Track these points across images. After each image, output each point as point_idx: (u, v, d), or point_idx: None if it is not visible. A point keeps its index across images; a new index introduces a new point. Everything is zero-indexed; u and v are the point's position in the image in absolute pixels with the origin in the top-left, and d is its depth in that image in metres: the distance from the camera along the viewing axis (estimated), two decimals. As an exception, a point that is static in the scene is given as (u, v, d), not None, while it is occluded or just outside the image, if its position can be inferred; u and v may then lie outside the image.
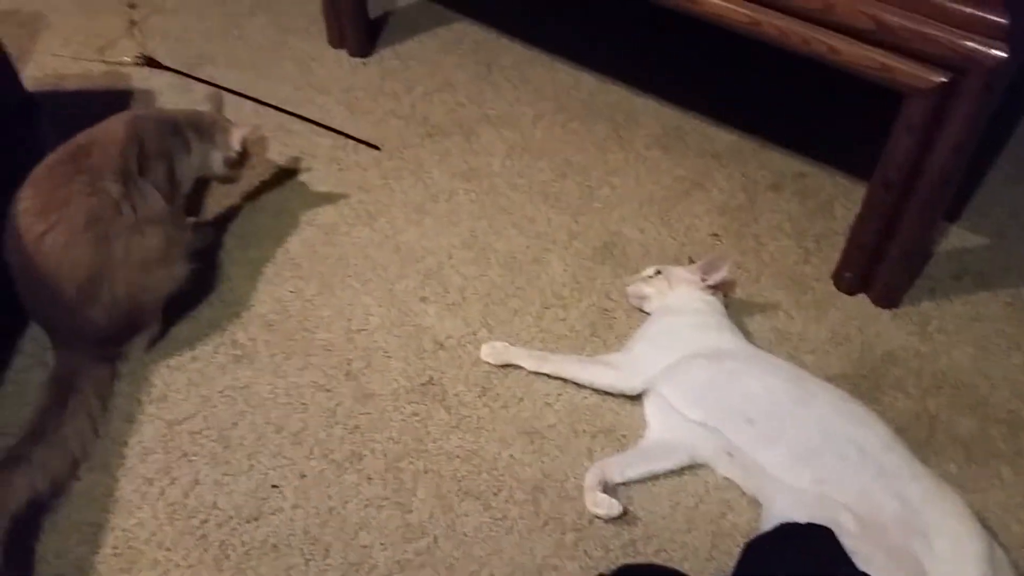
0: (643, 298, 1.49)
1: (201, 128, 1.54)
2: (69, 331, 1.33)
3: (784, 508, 1.17)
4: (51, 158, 1.35)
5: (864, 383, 1.44)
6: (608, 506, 1.24)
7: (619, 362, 1.39)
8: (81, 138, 1.38)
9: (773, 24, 1.41)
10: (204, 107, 1.62)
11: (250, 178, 1.72)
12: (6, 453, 1.20)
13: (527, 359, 1.43)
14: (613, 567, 1.17)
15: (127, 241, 1.31)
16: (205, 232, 1.61)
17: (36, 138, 1.61)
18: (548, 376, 1.42)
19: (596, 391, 1.40)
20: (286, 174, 1.76)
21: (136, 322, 1.37)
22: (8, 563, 1.13)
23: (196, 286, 1.49)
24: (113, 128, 1.40)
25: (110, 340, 1.35)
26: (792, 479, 1.19)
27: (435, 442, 1.35)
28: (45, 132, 1.63)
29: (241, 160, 1.59)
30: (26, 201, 1.29)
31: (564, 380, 1.41)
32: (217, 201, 1.70)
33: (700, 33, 1.70)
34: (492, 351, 1.44)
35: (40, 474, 1.20)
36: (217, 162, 1.56)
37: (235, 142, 1.55)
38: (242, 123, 1.61)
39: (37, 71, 1.94)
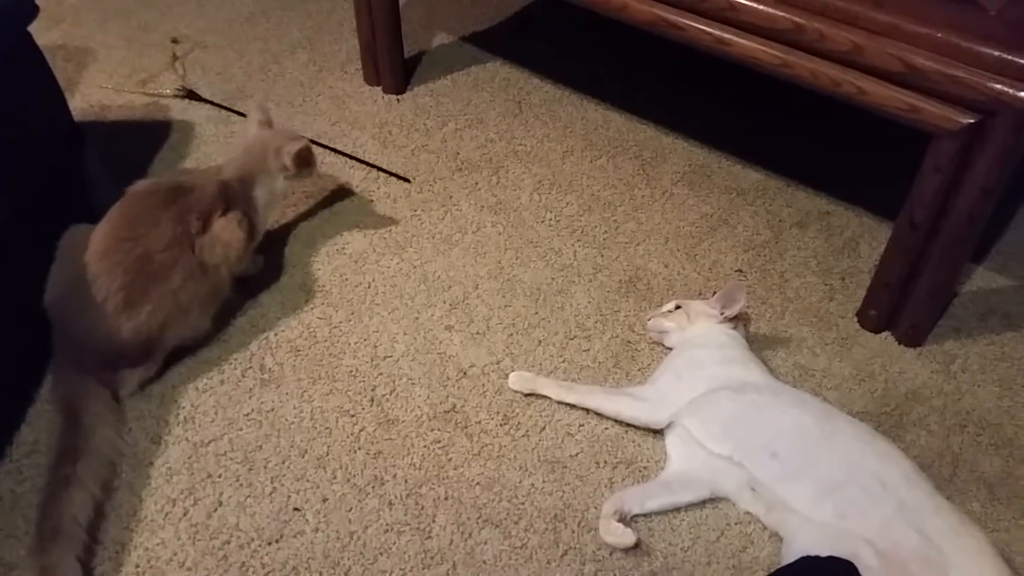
0: (663, 332, 1.49)
1: (256, 173, 1.55)
2: (89, 342, 1.35)
3: (805, 542, 1.16)
4: (152, 186, 1.47)
5: (887, 420, 1.43)
6: (621, 535, 1.24)
7: (645, 395, 1.39)
8: (182, 178, 1.51)
9: (804, 66, 1.43)
10: (254, 115, 1.63)
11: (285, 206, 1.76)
12: (50, 476, 1.24)
13: (553, 388, 1.44)
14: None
15: (184, 278, 1.39)
16: (256, 261, 1.64)
17: (82, 166, 1.67)
18: (573, 406, 1.42)
19: (619, 423, 1.40)
20: (324, 202, 1.80)
21: (143, 355, 1.40)
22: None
23: (227, 309, 1.53)
24: (208, 178, 1.51)
25: (116, 362, 1.38)
26: (814, 513, 1.18)
27: (456, 469, 1.35)
28: (90, 160, 1.69)
29: (300, 169, 1.58)
30: (121, 209, 1.43)
31: (588, 411, 1.41)
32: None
33: (728, 73, 1.73)
34: (520, 379, 1.46)
35: (92, 483, 1.25)
36: (280, 186, 1.59)
37: (288, 159, 1.55)
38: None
39: (83, 102, 2.01)
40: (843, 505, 1.17)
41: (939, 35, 1.28)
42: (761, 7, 1.42)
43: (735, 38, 1.49)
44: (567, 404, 1.42)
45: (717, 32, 1.50)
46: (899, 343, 1.56)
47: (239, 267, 1.53)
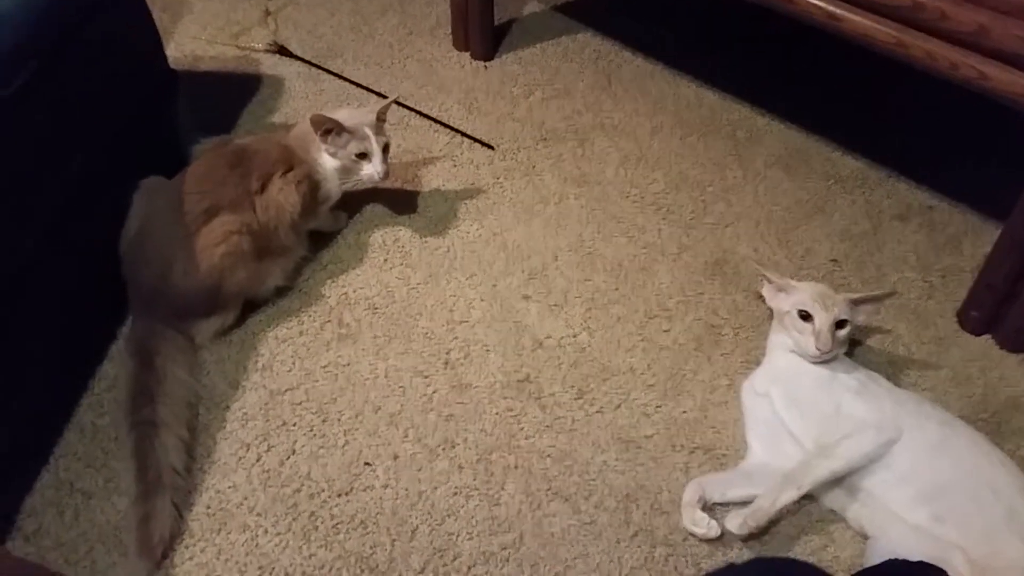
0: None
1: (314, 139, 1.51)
2: (158, 292, 1.37)
3: (893, 543, 1.11)
4: (220, 149, 1.49)
5: (984, 427, 1.35)
6: (707, 526, 1.20)
7: (861, 425, 1.20)
8: (249, 142, 1.51)
9: (920, 47, 1.35)
10: (376, 106, 1.54)
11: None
12: (130, 421, 1.25)
13: (787, 494, 1.18)
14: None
15: (240, 234, 1.38)
16: (338, 216, 1.64)
17: (174, 110, 1.69)
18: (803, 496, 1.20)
19: (703, 414, 1.35)
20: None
21: (211, 306, 1.40)
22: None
23: (308, 263, 1.54)
24: (272, 141, 1.52)
25: (186, 312, 1.38)
26: (909, 515, 1.13)
27: (527, 439, 1.33)
28: (182, 108, 1.70)
29: (324, 137, 1.50)
30: (193, 167, 1.46)
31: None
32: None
33: (830, 53, 1.65)
34: (755, 518, 1.18)
35: (177, 425, 1.26)
36: (368, 174, 1.51)
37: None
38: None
39: (176, 51, 2.03)
40: (943, 509, 1.11)
41: (1078, 17, 1.20)
42: (880, -18, 1.35)
43: (848, 14, 1.42)
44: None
45: (829, 7, 1.43)
46: (1001, 347, 1.47)
47: (307, 225, 1.52)
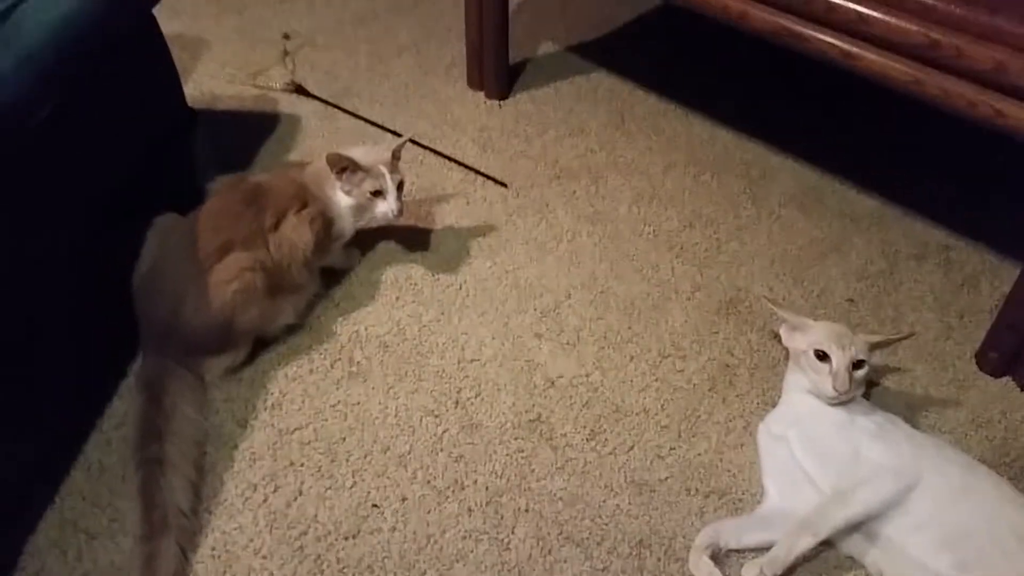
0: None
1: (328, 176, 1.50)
2: (170, 329, 1.36)
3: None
4: (235, 185, 1.50)
5: (1006, 472, 1.32)
6: (708, 573, 1.17)
7: (879, 470, 1.17)
8: (264, 179, 1.51)
9: (937, 85, 1.34)
10: (391, 145, 1.54)
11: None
12: (137, 459, 1.24)
13: (803, 542, 1.15)
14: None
15: (253, 271, 1.38)
16: (351, 254, 1.64)
17: (192, 148, 1.71)
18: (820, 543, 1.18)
19: (715, 453, 1.33)
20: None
21: (223, 343, 1.39)
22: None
23: (319, 300, 1.53)
24: (288, 178, 1.52)
25: (197, 349, 1.38)
26: (930, 561, 1.09)
27: (539, 481, 1.30)
28: (200, 144, 1.72)
29: (339, 175, 1.49)
30: (208, 204, 1.46)
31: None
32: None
33: (845, 92, 1.65)
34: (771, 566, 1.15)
35: (184, 465, 1.25)
36: (383, 212, 1.51)
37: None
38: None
39: (195, 90, 2.06)
40: (965, 556, 1.08)
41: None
42: (894, 20, 1.35)
43: (864, 52, 1.41)
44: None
45: (844, 45, 1.43)
46: (1022, 390, 1.44)
47: (320, 263, 1.52)
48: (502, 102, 2.07)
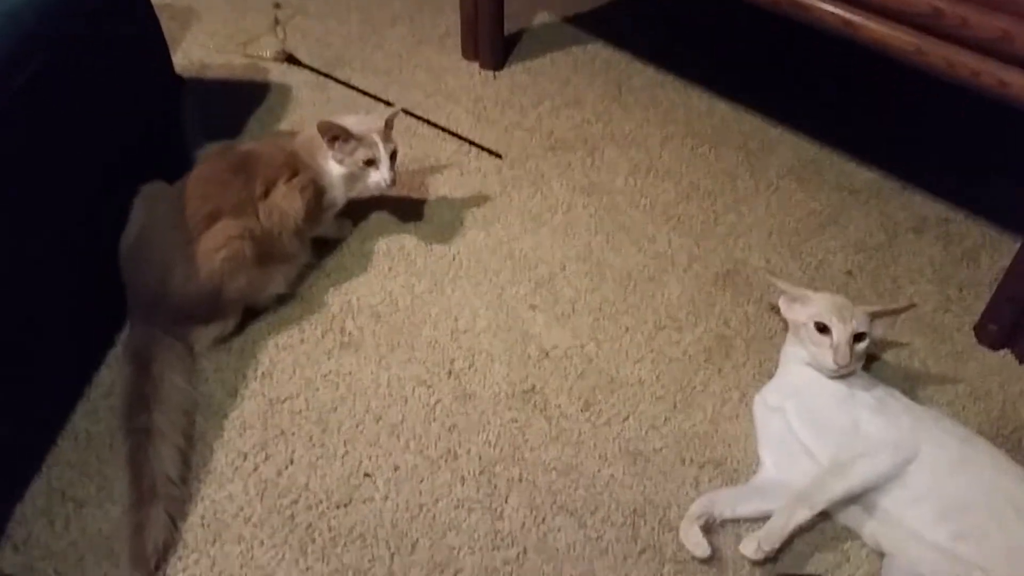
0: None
1: (321, 145, 1.48)
2: (157, 298, 1.34)
3: (911, 562, 1.08)
4: (224, 153, 1.48)
5: (1003, 444, 1.31)
6: (695, 544, 1.16)
7: (878, 443, 1.16)
8: (253, 147, 1.49)
9: (940, 54, 1.32)
10: (385, 115, 1.52)
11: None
12: (126, 428, 1.22)
13: (798, 515, 1.13)
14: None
15: (242, 239, 1.36)
16: (343, 224, 1.62)
17: (180, 116, 1.68)
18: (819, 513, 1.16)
19: (712, 426, 1.32)
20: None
21: (211, 313, 1.37)
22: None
23: (311, 270, 1.51)
24: (278, 146, 1.50)
25: (185, 319, 1.36)
26: (928, 533, 1.08)
27: (532, 451, 1.29)
28: (189, 112, 1.69)
29: (331, 143, 1.47)
30: (195, 171, 1.43)
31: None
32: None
33: (843, 62, 1.62)
34: (767, 540, 1.13)
35: (173, 434, 1.23)
36: (375, 181, 1.49)
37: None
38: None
39: (184, 59, 2.02)
40: (963, 528, 1.07)
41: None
42: (897, -12, 1.32)
43: (865, 21, 1.39)
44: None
45: (845, 14, 1.41)
46: (1020, 362, 1.43)
47: (311, 232, 1.50)
48: (497, 73, 2.04)
